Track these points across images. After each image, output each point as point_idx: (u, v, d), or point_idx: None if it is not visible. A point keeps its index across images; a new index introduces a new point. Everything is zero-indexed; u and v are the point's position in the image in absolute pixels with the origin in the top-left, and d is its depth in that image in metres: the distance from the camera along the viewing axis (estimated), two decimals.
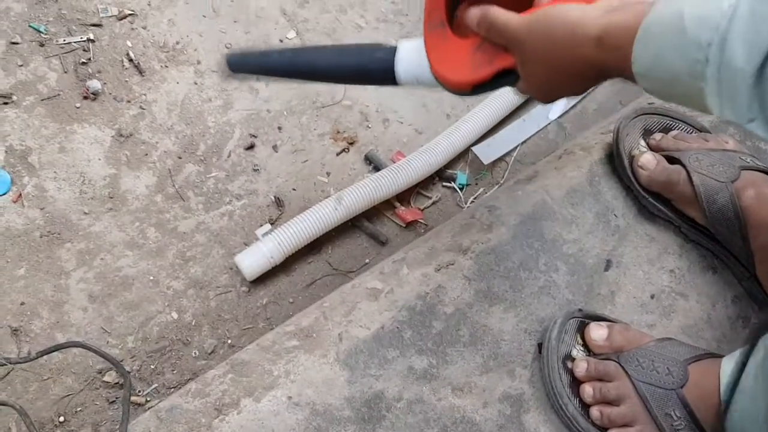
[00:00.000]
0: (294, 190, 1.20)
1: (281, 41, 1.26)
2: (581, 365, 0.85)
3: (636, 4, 0.56)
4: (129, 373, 1.03)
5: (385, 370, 0.83)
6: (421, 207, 1.25)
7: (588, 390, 0.83)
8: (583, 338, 0.88)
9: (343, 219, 1.16)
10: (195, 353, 1.07)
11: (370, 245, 1.21)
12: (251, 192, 1.17)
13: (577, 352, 0.87)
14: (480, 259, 0.91)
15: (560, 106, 1.35)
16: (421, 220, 1.23)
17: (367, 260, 1.20)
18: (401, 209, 1.23)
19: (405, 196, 1.24)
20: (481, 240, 0.93)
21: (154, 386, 1.02)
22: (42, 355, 0.90)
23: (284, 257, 1.12)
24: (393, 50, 0.77)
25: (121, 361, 1.03)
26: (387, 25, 1.35)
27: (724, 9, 0.44)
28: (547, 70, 0.61)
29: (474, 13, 0.67)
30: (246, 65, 0.84)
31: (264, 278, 1.14)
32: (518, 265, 0.92)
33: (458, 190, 1.27)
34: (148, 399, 1.03)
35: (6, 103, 1.09)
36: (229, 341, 1.09)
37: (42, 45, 1.13)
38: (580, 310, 0.89)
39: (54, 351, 0.91)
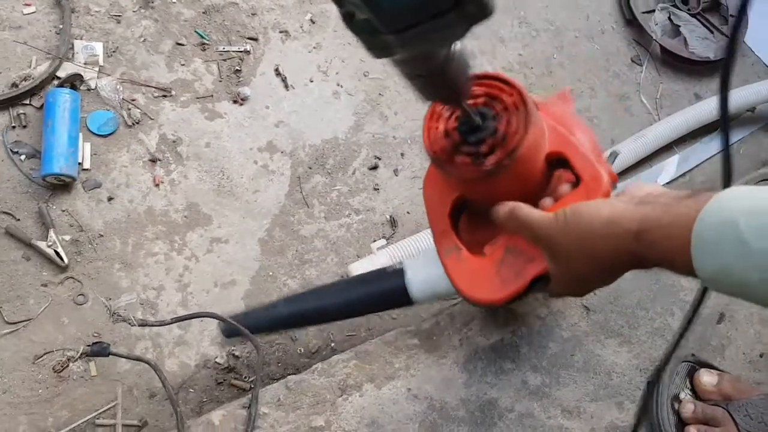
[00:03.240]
0: (408, 213, 1.26)
1: None
2: (688, 407, 0.86)
3: (661, 196, 0.57)
4: (239, 358, 1.09)
5: (500, 379, 0.86)
6: None
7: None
8: (692, 383, 0.90)
9: None
10: (300, 350, 1.12)
11: None
12: (369, 209, 1.24)
13: (685, 395, 0.89)
14: (600, 292, 0.94)
15: (670, 172, 1.39)
16: None
17: None
18: None
19: None
20: None
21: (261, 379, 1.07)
22: (177, 321, 0.97)
23: None
24: (401, 273, 0.77)
25: (233, 347, 1.09)
26: (512, 75, 1.43)
27: None
28: (584, 266, 0.61)
29: (502, 210, 0.67)
30: (246, 327, 0.85)
31: None
32: (636, 303, 0.94)
33: None
34: (252, 386, 1.07)
35: (165, 96, 1.20)
36: (333, 345, 1.14)
37: (203, 50, 1.25)
38: (693, 355, 0.91)
39: (189, 318, 0.97)
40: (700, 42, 1.57)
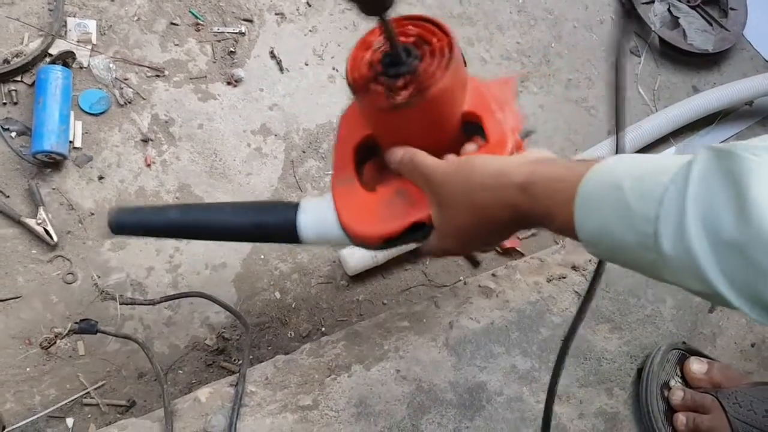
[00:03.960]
0: None
1: None
2: (678, 394, 0.86)
3: (555, 159, 0.58)
4: (228, 340, 1.08)
5: (489, 363, 0.85)
6: (520, 236, 1.28)
7: (682, 419, 0.84)
8: (682, 370, 0.89)
9: None
10: (290, 334, 1.12)
11: (465, 264, 1.25)
12: None
13: (675, 382, 0.88)
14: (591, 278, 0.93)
15: None
16: (518, 249, 1.27)
17: (461, 278, 1.23)
18: None
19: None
20: (593, 261, 0.95)
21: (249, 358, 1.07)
22: (165, 300, 0.96)
23: (387, 259, 1.17)
24: (295, 207, 0.75)
25: (223, 329, 1.08)
26: (510, 63, 1.42)
27: (665, 182, 0.44)
28: (466, 216, 0.60)
29: (398, 152, 0.67)
30: (131, 225, 0.80)
31: (363, 276, 1.18)
32: (627, 290, 0.94)
33: None
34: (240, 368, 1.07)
35: (158, 76, 1.19)
36: (323, 329, 1.14)
37: (198, 30, 1.24)
38: (684, 342, 0.91)
39: (177, 298, 0.97)
40: (699, 34, 1.56)
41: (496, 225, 0.59)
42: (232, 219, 0.77)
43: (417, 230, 0.68)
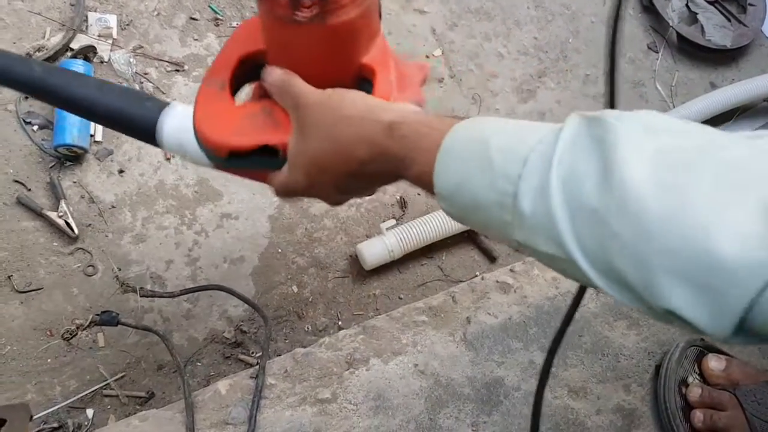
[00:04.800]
0: (418, 194, 1.25)
1: (427, 57, 1.35)
2: (695, 390, 0.86)
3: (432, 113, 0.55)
4: (246, 333, 1.09)
5: (507, 358, 0.86)
6: None
7: (699, 416, 0.84)
8: (700, 367, 0.89)
9: (462, 228, 1.21)
10: (307, 328, 1.12)
11: (481, 259, 1.25)
12: (380, 189, 1.23)
13: (693, 379, 0.88)
14: None
15: None
16: None
17: (477, 273, 1.23)
18: None
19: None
20: None
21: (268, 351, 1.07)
22: (185, 293, 0.97)
23: (403, 254, 1.17)
24: (162, 106, 0.70)
25: (241, 322, 1.09)
26: (527, 58, 1.42)
27: (532, 144, 0.43)
28: (322, 146, 0.57)
29: (276, 71, 0.63)
30: None
31: (379, 270, 1.19)
32: None
33: None
34: (258, 361, 1.08)
35: (177, 71, 1.20)
36: (340, 323, 1.14)
37: (217, 25, 1.25)
38: (702, 339, 0.90)
39: (196, 291, 0.97)
40: (717, 30, 1.55)
41: (351, 162, 0.55)
42: (94, 95, 0.71)
43: (268, 155, 0.63)
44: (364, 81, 0.65)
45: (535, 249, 0.44)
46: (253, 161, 0.64)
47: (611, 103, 0.58)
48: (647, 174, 0.37)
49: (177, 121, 0.68)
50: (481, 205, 0.46)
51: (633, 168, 0.38)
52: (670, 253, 0.36)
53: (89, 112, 0.73)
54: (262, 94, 0.67)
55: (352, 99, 0.57)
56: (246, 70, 0.68)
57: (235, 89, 0.68)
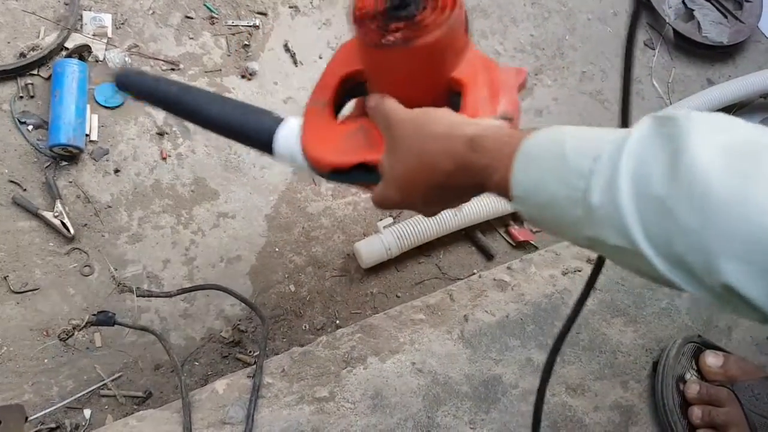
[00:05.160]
0: None
1: None
2: (693, 387, 0.86)
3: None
4: (244, 332, 1.09)
5: (504, 356, 0.86)
6: (534, 229, 1.28)
7: (697, 412, 0.84)
8: (697, 364, 0.89)
9: (460, 226, 1.21)
10: (305, 327, 1.12)
11: (479, 257, 1.25)
12: None
13: (691, 375, 0.88)
14: (607, 272, 0.93)
15: None
16: (532, 242, 1.26)
17: (474, 271, 1.23)
18: (515, 228, 1.27)
19: (520, 216, 1.27)
20: None
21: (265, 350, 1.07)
22: (181, 293, 0.97)
23: (400, 252, 1.17)
24: (279, 121, 0.76)
25: (239, 321, 1.09)
26: (523, 56, 1.42)
27: (605, 144, 0.45)
28: (411, 163, 0.60)
29: (373, 98, 0.67)
30: (133, 87, 0.82)
31: (377, 269, 1.19)
32: (643, 283, 0.94)
33: None
34: (256, 360, 1.07)
35: (173, 69, 1.19)
36: (337, 322, 1.14)
37: (212, 24, 1.24)
38: (699, 336, 0.90)
39: (193, 291, 0.97)
40: (714, 26, 1.55)
41: (437, 175, 0.58)
42: (220, 111, 0.78)
43: (366, 171, 0.67)
44: (455, 94, 0.68)
45: (604, 243, 0.45)
46: (352, 176, 0.69)
47: (623, 122, 0.59)
48: (715, 160, 0.39)
49: (289, 136, 0.74)
50: (554, 203, 0.48)
51: (702, 154, 0.39)
52: (733, 234, 0.37)
53: (215, 126, 0.80)
54: (362, 111, 0.72)
55: (436, 117, 0.60)
56: (347, 88, 0.73)
57: (338, 105, 0.73)
